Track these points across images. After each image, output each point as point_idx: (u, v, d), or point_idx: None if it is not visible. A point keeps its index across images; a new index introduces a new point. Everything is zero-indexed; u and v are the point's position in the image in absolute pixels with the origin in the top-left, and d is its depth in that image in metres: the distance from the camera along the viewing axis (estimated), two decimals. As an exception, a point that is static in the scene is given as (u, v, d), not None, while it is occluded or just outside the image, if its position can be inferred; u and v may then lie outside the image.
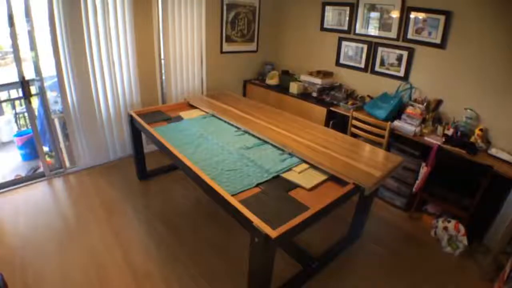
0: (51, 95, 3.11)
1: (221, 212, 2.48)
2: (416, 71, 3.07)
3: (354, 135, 3.04)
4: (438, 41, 2.82)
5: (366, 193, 1.81)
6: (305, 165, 2.07)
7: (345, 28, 3.55)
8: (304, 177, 1.93)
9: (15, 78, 2.72)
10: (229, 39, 3.97)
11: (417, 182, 2.66)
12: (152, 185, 3.04)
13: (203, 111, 2.97)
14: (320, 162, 2.03)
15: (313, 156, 2.11)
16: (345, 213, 2.49)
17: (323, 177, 1.95)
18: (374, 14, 3.27)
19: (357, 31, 3.46)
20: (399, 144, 2.86)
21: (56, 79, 2.84)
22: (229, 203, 1.61)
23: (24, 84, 2.68)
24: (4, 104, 4.15)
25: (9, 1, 2.42)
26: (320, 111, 3.44)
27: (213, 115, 2.86)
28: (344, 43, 3.62)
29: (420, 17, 2.91)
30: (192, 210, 2.69)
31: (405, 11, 3.00)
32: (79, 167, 3.21)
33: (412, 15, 2.96)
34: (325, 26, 3.76)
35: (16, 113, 4.00)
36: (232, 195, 1.68)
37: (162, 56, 3.44)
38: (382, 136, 2.83)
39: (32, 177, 3.03)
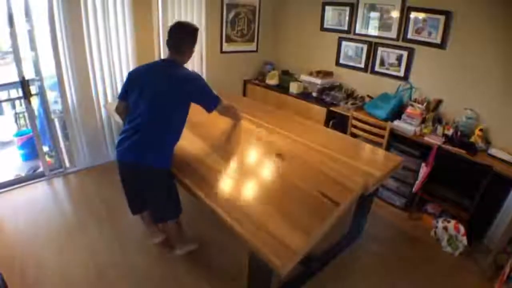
0: (51, 95, 3.11)
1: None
2: (416, 71, 3.07)
3: (354, 135, 3.04)
4: (438, 41, 2.82)
5: (366, 193, 1.81)
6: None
7: (345, 28, 3.55)
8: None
9: (15, 78, 2.71)
10: (229, 39, 3.97)
11: (417, 182, 2.66)
12: (152, 185, 3.04)
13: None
14: (320, 161, 2.03)
15: (312, 155, 2.10)
16: (345, 212, 2.49)
17: (323, 177, 1.97)
18: (374, 14, 3.27)
19: (357, 31, 3.46)
20: (399, 144, 2.86)
21: (56, 79, 2.84)
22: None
23: (24, 84, 2.68)
24: (4, 104, 4.14)
25: (9, 1, 2.42)
26: (320, 111, 3.44)
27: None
28: (344, 43, 3.62)
29: (420, 17, 2.90)
30: (192, 208, 2.69)
31: (405, 11, 3.00)
32: (79, 167, 3.21)
33: (412, 15, 2.95)
34: (325, 26, 3.76)
35: (16, 113, 3.99)
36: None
37: (162, 56, 3.43)
38: (382, 136, 2.83)
39: (32, 177, 3.03)
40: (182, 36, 1.82)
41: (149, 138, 1.73)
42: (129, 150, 1.75)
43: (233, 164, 1.88)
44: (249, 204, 1.56)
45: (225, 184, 1.71)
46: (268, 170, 1.82)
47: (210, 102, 1.89)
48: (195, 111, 1.88)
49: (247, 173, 1.83)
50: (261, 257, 1.26)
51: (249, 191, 1.66)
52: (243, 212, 1.48)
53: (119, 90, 3.14)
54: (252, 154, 2.06)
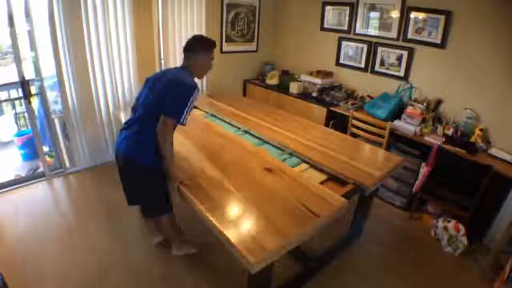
0: (51, 95, 3.11)
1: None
2: (416, 71, 3.07)
3: (354, 135, 3.04)
4: (438, 41, 2.82)
5: (366, 192, 1.81)
6: (305, 165, 2.07)
7: (345, 28, 3.55)
8: (304, 177, 1.97)
9: (15, 78, 2.72)
10: (229, 39, 3.97)
11: (417, 182, 2.66)
12: (152, 185, 3.03)
13: (202, 110, 2.97)
14: (320, 162, 2.03)
15: (313, 156, 2.11)
16: (345, 212, 2.49)
17: (323, 177, 1.95)
18: (374, 14, 3.27)
19: (357, 31, 3.46)
20: (399, 144, 2.86)
21: (56, 79, 2.84)
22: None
23: (24, 84, 2.68)
24: (4, 104, 4.14)
25: (9, 0, 2.42)
26: (320, 111, 3.44)
27: (212, 115, 2.86)
28: (344, 43, 3.61)
29: (420, 17, 2.90)
30: (191, 209, 2.69)
31: (405, 11, 3.00)
32: (79, 167, 3.21)
33: (412, 15, 2.95)
34: (325, 26, 3.75)
35: (16, 113, 4.00)
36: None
37: (162, 56, 3.44)
38: (382, 136, 2.83)
39: (32, 177, 3.03)
40: (192, 44, 1.84)
41: (137, 135, 1.78)
42: (121, 142, 1.84)
43: (223, 170, 1.87)
44: (234, 205, 1.58)
45: (213, 188, 1.70)
46: (258, 178, 1.84)
47: (170, 109, 1.66)
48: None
49: (238, 179, 1.80)
50: (236, 253, 1.29)
51: (236, 195, 1.65)
52: (224, 209, 1.54)
53: (119, 89, 3.17)
54: (246, 162, 2.05)
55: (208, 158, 2.01)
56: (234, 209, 1.56)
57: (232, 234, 1.34)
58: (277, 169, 1.90)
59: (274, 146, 2.31)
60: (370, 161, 2.16)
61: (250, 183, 1.76)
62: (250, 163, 1.98)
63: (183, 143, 2.17)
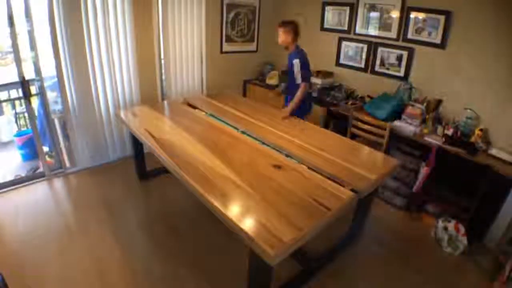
0: (51, 95, 3.11)
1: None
2: (416, 71, 3.07)
3: (354, 135, 3.04)
4: (438, 41, 2.82)
5: (360, 196, 1.80)
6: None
7: (345, 28, 3.55)
8: (303, 178, 1.97)
9: (15, 78, 2.72)
10: (229, 39, 3.97)
11: (417, 182, 2.66)
12: (151, 185, 3.04)
13: (202, 111, 2.97)
14: (316, 164, 2.02)
15: (309, 158, 2.10)
16: (345, 213, 2.49)
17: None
18: (374, 14, 3.27)
19: (357, 31, 3.46)
20: (399, 144, 2.86)
21: (56, 79, 2.84)
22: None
23: (24, 84, 2.68)
24: (4, 104, 4.14)
25: (9, 1, 2.42)
26: (320, 111, 3.44)
27: (212, 115, 2.85)
28: (344, 43, 3.62)
29: (420, 17, 2.91)
30: (192, 210, 2.69)
31: (405, 11, 3.00)
32: (79, 167, 3.21)
33: (412, 15, 2.96)
34: (325, 26, 3.76)
35: (16, 113, 4.00)
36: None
37: (162, 56, 3.44)
38: (382, 136, 2.83)
39: (32, 177, 3.03)
40: None
41: None
42: None
43: (234, 168, 1.90)
44: (247, 202, 1.60)
45: (226, 185, 1.72)
46: (268, 175, 1.88)
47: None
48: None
49: (249, 176, 1.84)
50: (255, 247, 1.33)
51: (249, 191, 1.67)
52: (237, 204, 1.60)
53: (119, 90, 3.17)
54: (254, 160, 2.07)
55: (215, 155, 2.04)
56: (246, 203, 1.59)
57: (249, 228, 1.39)
58: (286, 166, 1.96)
59: (271, 147, 2.30)
60: (367, 164, 2.14)
61: (262, 180, 1.80)
62: (259, 161, 2.02)
63: (189, 140, 2.17)
